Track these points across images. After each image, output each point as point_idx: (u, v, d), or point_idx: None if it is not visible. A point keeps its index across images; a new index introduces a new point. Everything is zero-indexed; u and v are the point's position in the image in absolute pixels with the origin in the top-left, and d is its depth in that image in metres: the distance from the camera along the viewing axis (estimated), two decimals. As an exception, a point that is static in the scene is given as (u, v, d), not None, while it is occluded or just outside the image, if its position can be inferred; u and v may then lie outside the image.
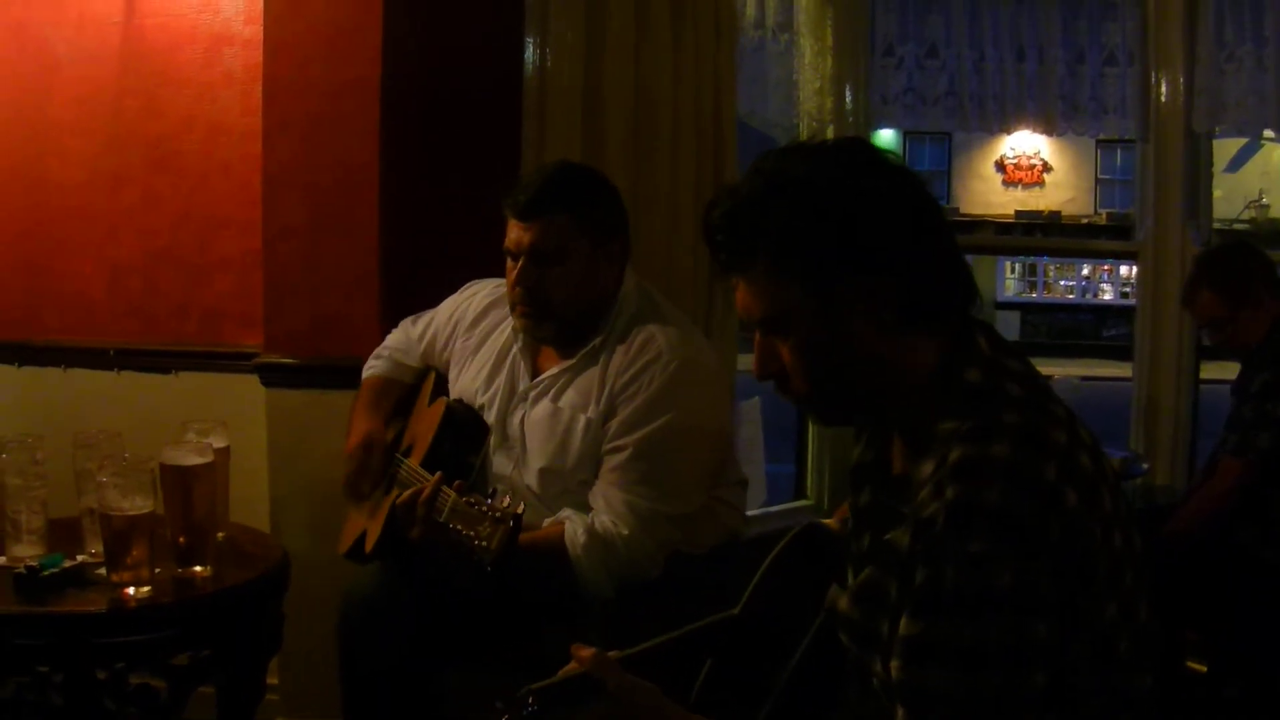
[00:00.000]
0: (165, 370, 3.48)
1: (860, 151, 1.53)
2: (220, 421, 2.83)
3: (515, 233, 2.51)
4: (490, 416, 2.64)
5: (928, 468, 1.42)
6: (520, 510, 2.07)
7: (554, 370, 2.57)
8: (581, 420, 2.49)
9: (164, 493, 2.49)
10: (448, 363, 2.82)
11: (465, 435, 2.62)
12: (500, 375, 2.65)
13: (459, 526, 2.12)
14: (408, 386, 2.91)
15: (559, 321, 2.53)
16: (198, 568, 2.52)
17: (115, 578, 2.40)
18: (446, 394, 2.76)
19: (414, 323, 2.93)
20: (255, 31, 3.26)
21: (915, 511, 1.39)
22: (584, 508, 2.46)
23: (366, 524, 2.68)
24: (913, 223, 1.48)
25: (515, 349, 2.64)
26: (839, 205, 1.45)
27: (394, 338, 2.95)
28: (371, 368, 2.93)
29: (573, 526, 2.40)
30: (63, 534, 2.65)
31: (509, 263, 2.54)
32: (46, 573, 2.41)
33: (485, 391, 2.66)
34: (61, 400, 3.51)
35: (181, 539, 2.51)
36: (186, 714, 2.65)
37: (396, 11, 3.10)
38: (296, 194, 3.17)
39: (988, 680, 1.31)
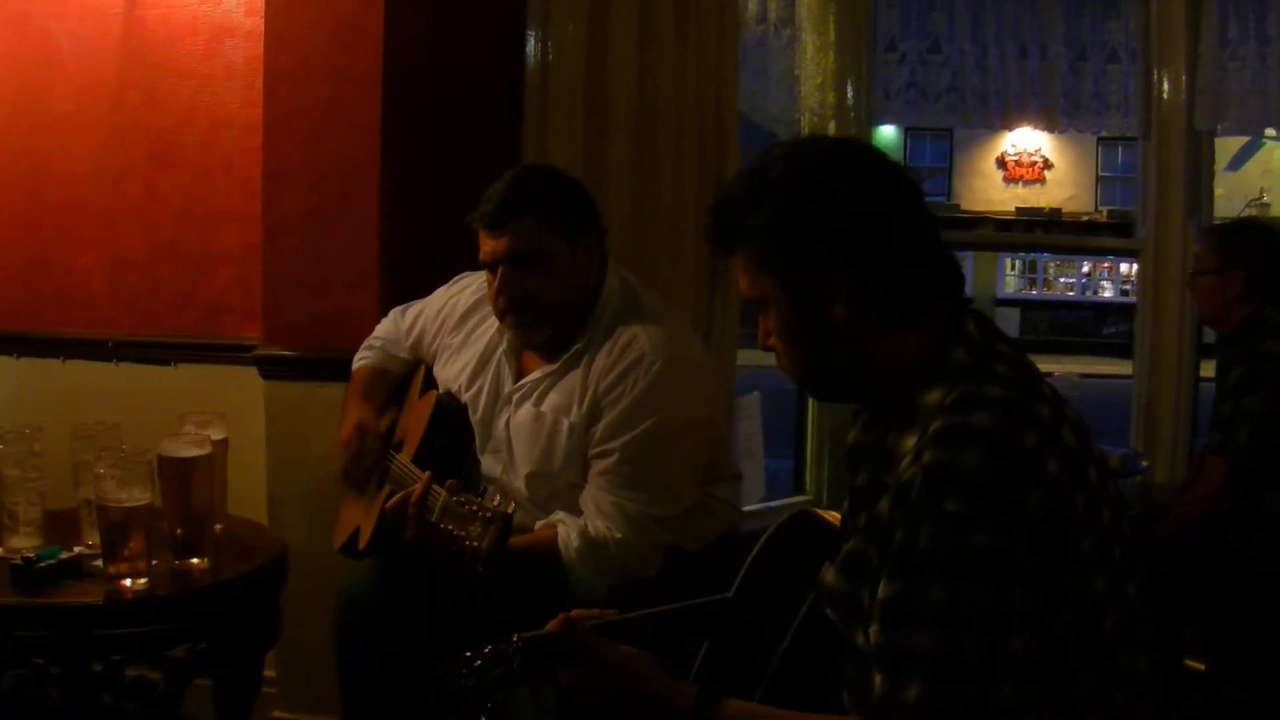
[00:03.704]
0: (164, 362, 3.48)
1: (843, 153, 1.58)
2: (219, 414, 2.83)
3: (489, 244, 2.50)
4: (474, 417, 2.63)
5: (911, 439, 1.46)
6: (511, 510, 2.07)
7: (537, 374, 2.56)
8: (565, 424, 2.48)
9: (162, 485, 2.49)
10: (435, 356, 2.81)
11: (456, 430, 2.62)
12: (484, 375, 2.64)
13: (450, 526, 2.11)
14: (399, 377, 2.91)
15: (551, 324, 2.52)
16: (195, 560, 2.52)
17: (112, 569, 2.40)
18: (437, 387, 2.75)
19: (403, 314, 2.92)
20: (256, 23, 3.26)
21: (896, 479, 1.42)
22: (575, 509, 2.45)
23: (360, 520, 2.68)
24: (890, 224, 1.52)
25: (500, 350, 2.64)
26: (805, 215, 1.51)
27: (384, 328, 2.94)
28: (362, 358, 2.93)
29: (566, 530, 2.39)
30: (60, 525, 2.65)
31: (487, 276, 2.54)
32: (43, 564, 2.41)
33: (468, 390, 2.66)
34: (60, 391, 3.52)
35: (179, 531, 2.52)
36: (183, 707, 2.65)
37: (399, 5, 3.09)
38: (297, 187, 3.17)
39: (965, 642, 1.32)
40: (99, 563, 2.45)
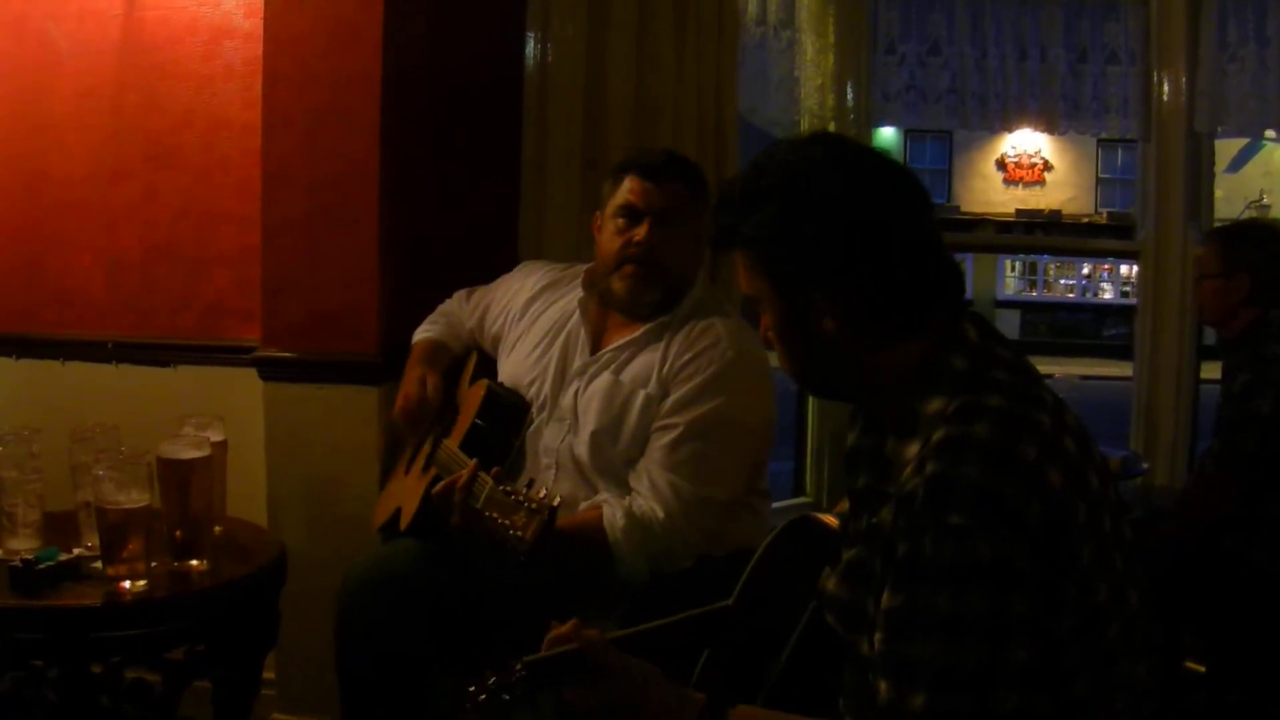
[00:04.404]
0: (164, 364, 3.47)
1: (840, 159, 1.56)
2: (218, 416, 2.83)
3: (643, 191, 2.57)
4: (543, 389, 2.65)
5: (913, 449, 1.45)
6: (557, 503, 2.08)
7: (619, 343, 2.60)
8: (640, 395, 2.52)
9: (161, 487, 2.49)
10: (495, 339, 2.85)
11: (505, 417, 2.65)
12: (553, 350, 2.67)
13: (495, 515, 2.13)
14: (456, 356, 2.94)
15: (665, 287, 2.59)
16: (194, 562, 2.52)
17: (111, 572, 2.40)
18: (488, 375, 2.77)
19: (468, 297, 2.97)
20: (255, 25, 3.25)
21: (899, 490, 1.41)
22: (626, 486, 2.47)
23: (403, 500, 2.69)
24: (887, 233, 1.51)
25: (572, 323, 2.67)
26: (796, 226, 1.50)
27: (449, 305, 2.99)
28: (426, 331, 2.96)
29: (611, 510, 2.41)
30: (59, 527, 2.65)
31: (620, 222, 2.59)
32: (42, 566, 2.41)
33: (536, 365, 2.68)
34: (59, 393, 3.51)
35: (178, 533, 2.51)
36: (183, 708, 2.65)
37: (398, 6, 3.08)
38: (296, 189, 3.16)
39: (968, 651, 1.32)
40: (98, 565, 2.45)
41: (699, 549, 2.44)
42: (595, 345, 2.65)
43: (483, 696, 1.51)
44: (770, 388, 2.61)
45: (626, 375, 2.56)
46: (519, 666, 1.54)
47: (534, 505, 2.07)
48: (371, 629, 2.51)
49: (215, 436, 2.72)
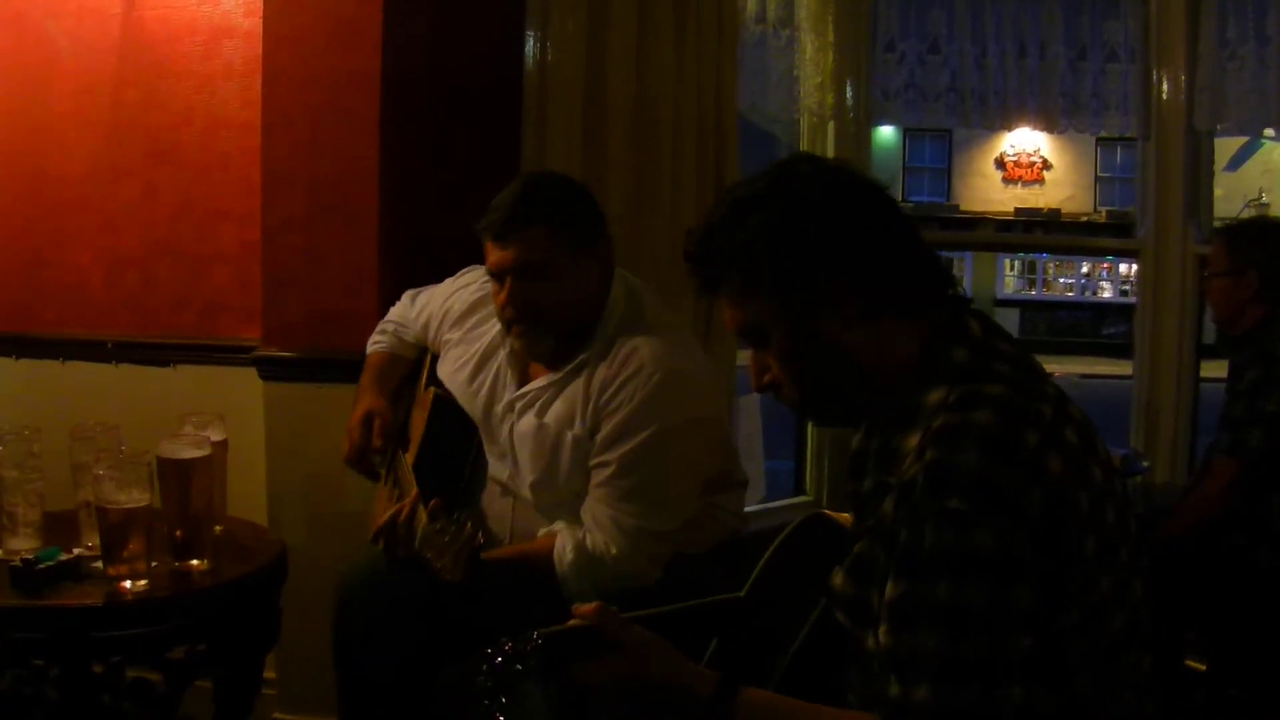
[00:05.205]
0: (163, 363, 3.47)
1: (809, 169, 1.60)
2: (218, 415, 2.83)
3: (496, 254, 2.44)
4: (475, 415, 2.62)
5: (914, 439, 1.46)
6: (480, 542, 2.10)
7: (541, 382, 2.51)
8: (568, 437, 2.44)
9: (161, 486, 2.49)
10: (437, 348, 2.81)
11: (455, 431, 2.63)
12: (484, 375, 2.62)
13: (430, 555, 2.17)
14: (411, 362, 2.91)
15: (556, 334, 2.47)
16: (195, 561, 2.52)
17: (112, 571, 2.39)
18: (438, 380, 2.75)
19: (413, 300, 2.91)
20: (255, 24, 3.25)
21: (900, 479, 1.42)
22: (579, 517, 2.44)
23: (380, 514, 2.69)
24: (863, 227, 1.54)
25: (502, 354, 2.60)
26: (791, 224, 1.52)
27: (397, 310, 2.94)
28: (376, 342, 2.93)
29: (561, 542, 2.38)
30: (59, 527, 2.65)
31: (494, 285, 2.50)
32: (43, 566, 2.41)
33: (468, 387, 2.63)
34: (59, 392, 3.51)
35: (178, 532, 2.51)
36: (183, 708, 2.65)
37: (397, 4, 3.08)
38: (296, 187, 3.16)
39: (970, 641, 1.32)
40: (98, 564, 2.45)
41: (655, 573, 2.39)
42: (523, 377, 2.56)
43: (499, 659, 1.51)
44: (708, 397, 2.53)
45: (550, 417, 2.47)
46: (535, 636, 1.54)
47: (458, 546, 2.09)
48: (370, 627, 2.51)
49: (215, 436, 2.72)
